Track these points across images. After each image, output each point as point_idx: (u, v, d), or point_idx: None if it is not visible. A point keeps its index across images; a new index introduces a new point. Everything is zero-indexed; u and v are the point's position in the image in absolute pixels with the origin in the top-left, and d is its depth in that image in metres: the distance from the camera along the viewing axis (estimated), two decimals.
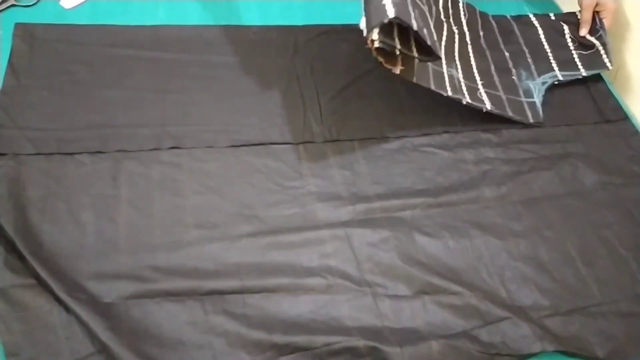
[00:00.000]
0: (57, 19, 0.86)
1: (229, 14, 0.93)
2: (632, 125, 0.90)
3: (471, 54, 0.91)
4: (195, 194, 0.71)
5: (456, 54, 0.89)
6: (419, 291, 0.67)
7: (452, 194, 0.77)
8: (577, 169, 0.83)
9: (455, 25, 0.93)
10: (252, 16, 0.93)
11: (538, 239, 0.74)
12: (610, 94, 0.94)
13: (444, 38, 0.88)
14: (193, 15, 0.91)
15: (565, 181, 0.81)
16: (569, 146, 0.86)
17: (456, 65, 0.87)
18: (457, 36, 0.91)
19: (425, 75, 0.80)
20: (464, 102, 0.83)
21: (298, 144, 0.79)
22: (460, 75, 0.86)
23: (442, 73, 0.83)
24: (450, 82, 0.83)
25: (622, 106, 0.93)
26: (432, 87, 0.80)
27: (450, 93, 0.82)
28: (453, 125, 0.85)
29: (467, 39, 0.93)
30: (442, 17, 0.92)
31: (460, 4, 0.96)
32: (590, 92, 0.94)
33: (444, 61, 0.85)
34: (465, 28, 0.94)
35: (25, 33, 0.82)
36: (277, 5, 0.97)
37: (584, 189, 0.81)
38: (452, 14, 0.94)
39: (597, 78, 0.96)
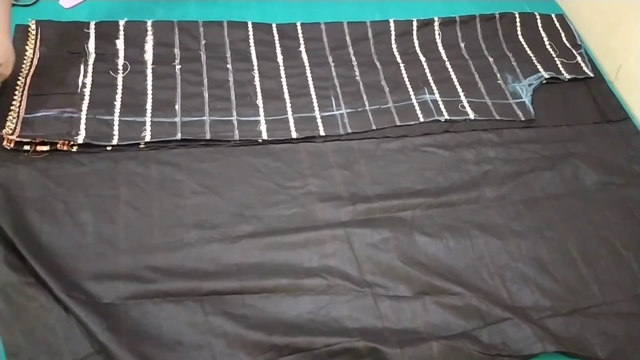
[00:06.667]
0: (56, 19, 0.85)
1: (228, 13, 0.93)
2: (634, 126, 0.90)
3: (451, 70, 0.92)
4: (195, 194, 0.71)
5: (429, 77, 0.90)
6: (420, 292, 0.67)
7: (453, 194, 0.77)
8: (578, 169, 0.82)
9: (422, 52, 0.94)
10: (252, 15, 0.93)
11: (539, 239, 0.74)
12: (611, 94, 0.94)
13: (404, 73, 0.91)
14: (192, 15, 0.91)
15: (566, 181, 0.81)
16: (570, 146, 0.86)
17: (430, 88, 0.89)
18: (425, 63, 0.93)
19: (387, 117, 0.84)
20: (442, 120, 0.85)
21: (298, 143, 0.79)
22: (437, 96, 0.88)
23: (411, 104, 0.86)
24: (422, 107, 0.86)
25: (624, 106, 0.93)
26: (397, 123, 0.83)
27: (422, 119, 0.84)
28: (454, 124, 0.85)
29: (444, 57, 0.94)
30: (394, 51, 0.94)
31: (436, 24, 0.97)
32: (592, 92, 0.94)
33: (411, 92, 0.87)
34: (440, 48, 0.96)
35: (25, 35, 0.82)
36: (277, 4, 0.97)
37: (585, 189, 0.81)
38: (419, 43, 0.95)
39: (599, 78, 0.96)
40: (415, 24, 0.97)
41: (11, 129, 0.70)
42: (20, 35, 0.82)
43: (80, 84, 0.78)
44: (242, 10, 0.95)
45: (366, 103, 0.85)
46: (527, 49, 0.99)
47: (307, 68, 0.89)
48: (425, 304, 0.66)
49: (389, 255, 0.69)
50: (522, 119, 0.87)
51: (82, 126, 0.73)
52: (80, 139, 0.72)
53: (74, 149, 0.72)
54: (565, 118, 0.90)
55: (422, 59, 0.94)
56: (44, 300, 0.59)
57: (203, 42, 0.87)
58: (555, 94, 0.93)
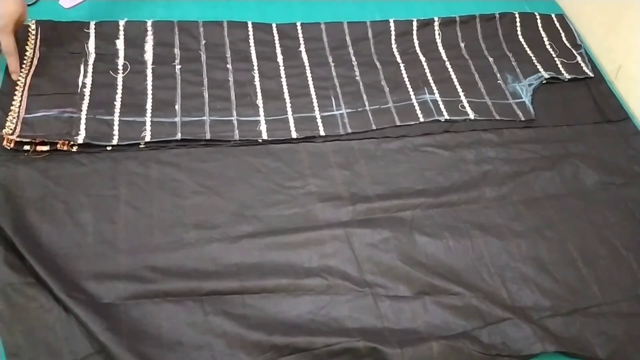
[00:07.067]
0: (56, 19, 0.85)
1: (229, 13, 0.93)
2: (633, 126, 0.90)
3: (451, 70, 0.92)
4: (195, 194, 0.71)
5: (429, 77, 0.90)
6: (420, 292, 0.67)
7: (453, 194, 0.77)
8: (578, 169, 0.82)
9: (422, 52, 0.94)
10: (252, 15, 0.93)
11: (539, 239, 0.74)
12: (611, 94, 0.94)
13: (404, 73, 0.90)
14: (192, 15, 0.91)
15: (566, 181, 0.81)
16: (570, 146, 0.86)
17: (430, 88, 0.89)
18: (425, 63, 0.93)
19: (387, 117, 0.84)
20: (443, 120, 0.85)
21: (298, 143, 0.79)
22: (437, 96, 0.88)
23: (411, 104, 0.86)
24: (422, 107, 0.85)
25: (624, 106, 0.93)
26: (397, 123, 0.83)
27: (422, 119, 0.84)
28: (454, 124, 0.85)
29: (444, 57, 0.94)
30: (394, 51, 0.94)
31: (436, 24, 0.97)
32: (592, 92, 0.94)
33: (411, 92, 0.88)
34: (440, 48, 0.96)
35: (25, 35, 0.82)
36: (277, 4, 0.97)
37: (585, 189, 0.81)
38: (419, 43, 0.95)
39: (599, 78, 0.97)
40: (415, 24, 0.97)
41: (11, 129, 0.70)
42: (20, 35, 0.82)
43: (80, 84, 0.78)
44: (242, 10, 0.95)
45: (366, 103, 0.85)
46: (527, 49, 0.99)
47: (307, 68, 0.89)
48: (425, 304, 0.66)
49: (389, 255, 0.69)
50: (522, 119, 0.87)
51: (82, 126, 0.73)
52: (80, 139, 0.72)
53: (74, 149, 0.72)
54: (565, 118, 0.90)
55: (422, 59, 0.94)
56: (44, 301, 0.59)
57: (203, 42, 0.87)
58: (555, 94, 0.93)
